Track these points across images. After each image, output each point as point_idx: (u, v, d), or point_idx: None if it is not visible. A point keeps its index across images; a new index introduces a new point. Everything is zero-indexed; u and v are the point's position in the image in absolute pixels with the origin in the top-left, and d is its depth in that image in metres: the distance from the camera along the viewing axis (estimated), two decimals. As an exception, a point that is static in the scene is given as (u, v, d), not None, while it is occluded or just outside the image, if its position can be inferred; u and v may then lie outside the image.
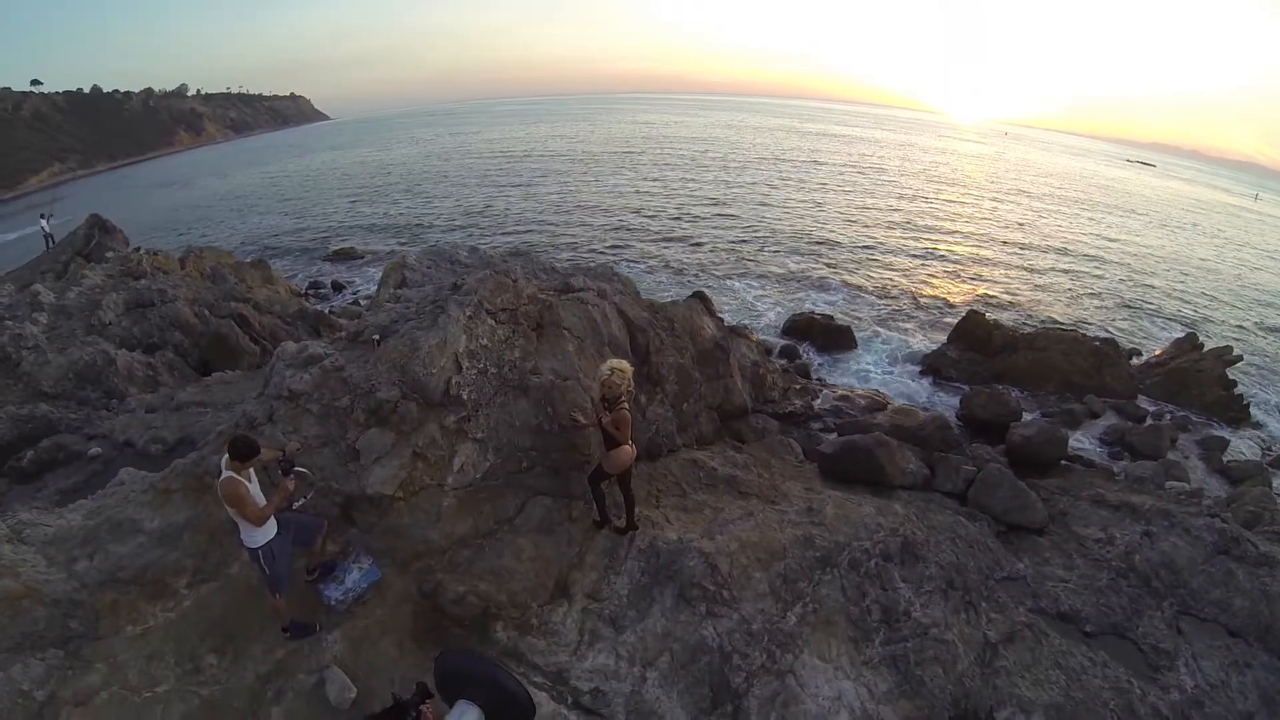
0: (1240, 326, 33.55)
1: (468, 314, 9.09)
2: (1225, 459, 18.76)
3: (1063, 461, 15.84)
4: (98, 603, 7.18)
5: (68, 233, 32.79)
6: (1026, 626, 9.29)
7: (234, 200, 69.95)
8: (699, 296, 20.61)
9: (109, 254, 27.17)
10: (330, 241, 45.43)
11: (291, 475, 6.79)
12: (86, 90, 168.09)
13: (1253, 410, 22.41)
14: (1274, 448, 20.55)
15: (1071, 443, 17.12)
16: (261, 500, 6.61)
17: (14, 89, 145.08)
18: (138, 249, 27.66)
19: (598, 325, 10.64)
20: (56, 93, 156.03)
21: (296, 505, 7.47)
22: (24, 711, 6.28)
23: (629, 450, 8.16)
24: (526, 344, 9.52)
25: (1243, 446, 20.33)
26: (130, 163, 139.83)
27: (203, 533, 7.83)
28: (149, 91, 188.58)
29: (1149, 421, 20.16)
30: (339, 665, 7.08)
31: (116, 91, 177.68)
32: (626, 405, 7.98)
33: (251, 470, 6.61)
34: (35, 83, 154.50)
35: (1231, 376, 22.93)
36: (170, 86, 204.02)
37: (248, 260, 30.81)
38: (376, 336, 9.14)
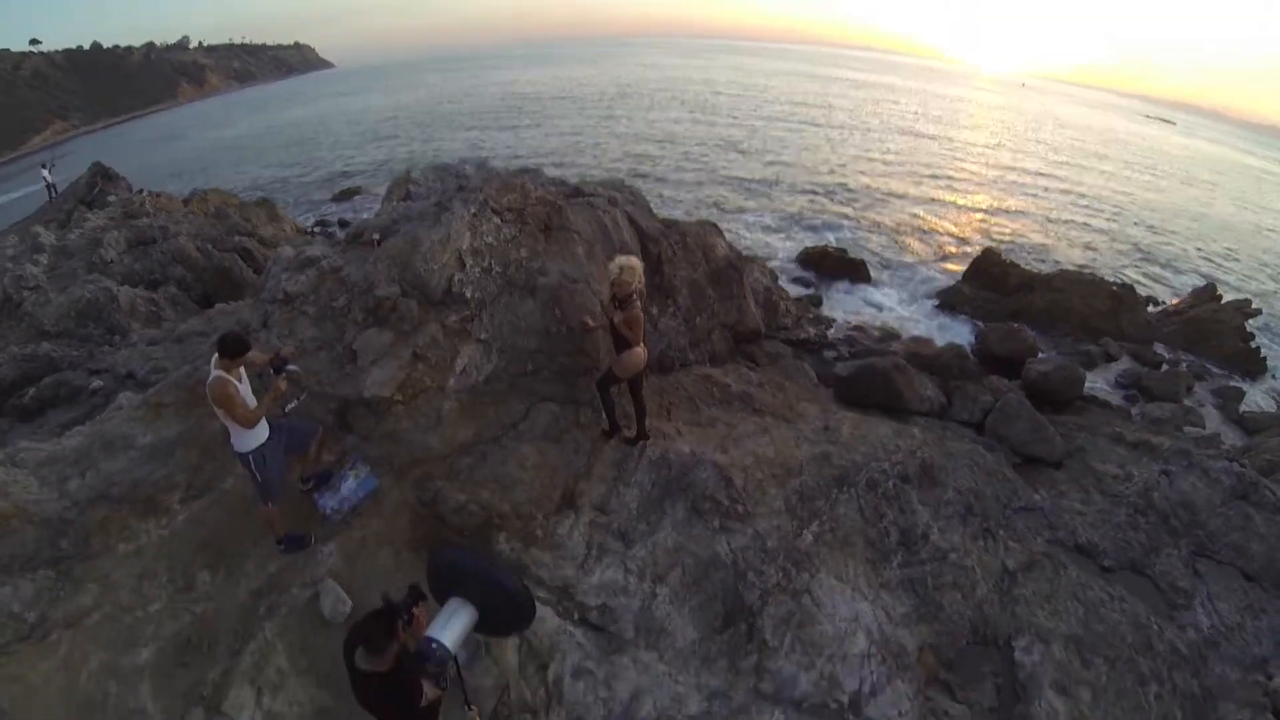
0: (1260, 282, 32.83)
1: (472, 211, 8.59)
2: (1241, 409, 18.37)
3: (1078, 401, 15.49)
4: (89, 521, 6.94)
5: (70, 183, 32.35)
6: (1045, 556, 9.01)
7: (239, 149, 68.45)
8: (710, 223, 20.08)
9: (111, 199, 26.73)
10: (338, 182, 44.49)
11: (284, 375, 6.40)
12: (86, 47, 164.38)
13: (1270, 365, 21.94)
14: (1292, 402, 20.12)
15: (1087, 384, 16.73)
16: (252, 402, 6.26)
17: (13, 49, 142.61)
18: (140, 191, 27.15)
19: (608, 230, 10.16)
20: (56, 51, 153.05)
21: (289, 408, 7.10)
22: (14, 633, 6.09)
23: (640, 352, 7.71)
24: (534, 244, 9.03)
25: (1259, 398, 19.94)
26: (133, 117, 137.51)
27: (195, 447, 7.53)
28: (150, 45, 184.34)
29: (1165, 368, 19.77)
30: (334, 578, 6.78)
31: (117, 47, 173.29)
32: (638, 304, 7.51)
33: (242, 371, 6.28)
34: (34, 42, 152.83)
35: (1250, 329, 22.46)
36: (172, 39, 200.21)
37: (253, 201, 30.17)
38: (376, 236, 8.62)
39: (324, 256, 8.73)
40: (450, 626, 4.23)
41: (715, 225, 18.99)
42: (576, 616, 7.15)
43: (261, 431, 6.39)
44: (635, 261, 7.65)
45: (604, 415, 8.46)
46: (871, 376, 12.27)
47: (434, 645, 4.13)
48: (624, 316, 7.44)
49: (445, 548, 4.83)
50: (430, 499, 7.37)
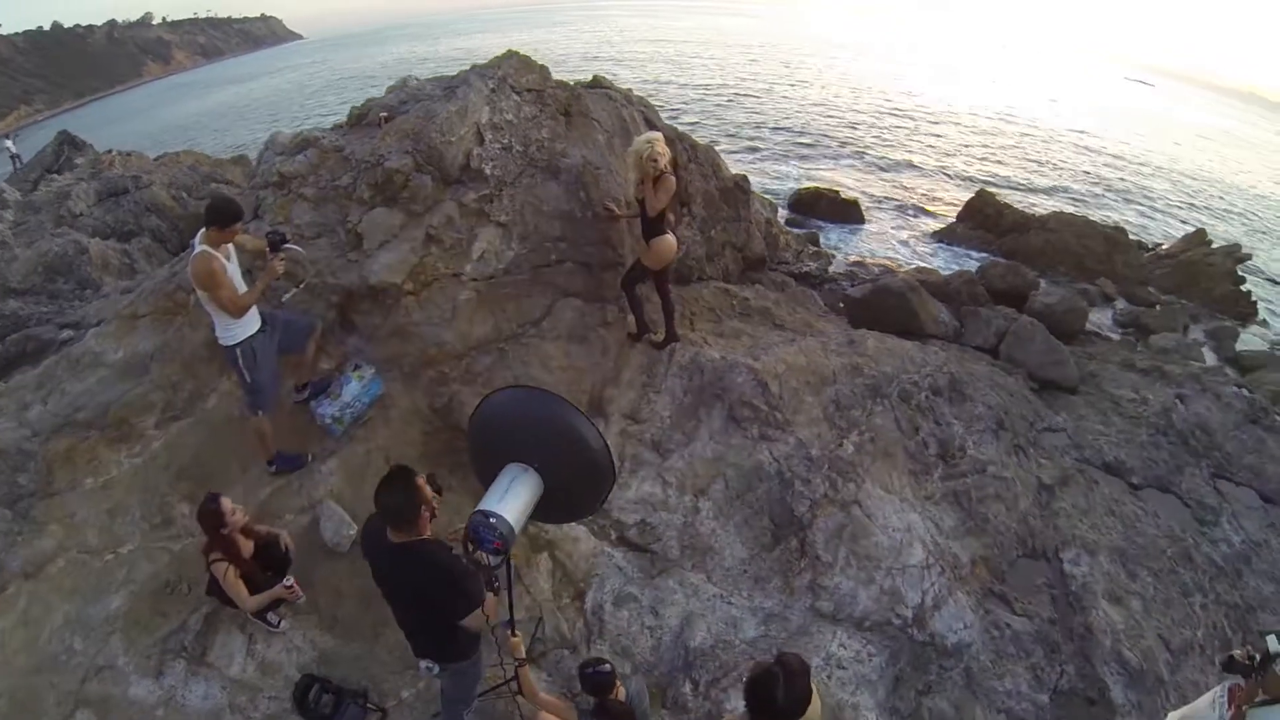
0: (1249, 232, 32.84)
1: (490, 86, 7.79)
2: (1236, 348, 18.35)
3: (1082, 334, 15.33)
4: (50, 452, 6.13)
5: (36, 153, 31.14)
6: (1077, 473, 8.78)
7: (212, 120, 65.92)
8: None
9: (79, 162, 25.57)
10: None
11: (280, 253, 5.55)
12: (47, 27, 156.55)
13: (1261, 309, 21.94)
14: (1282, 346, 20.16)
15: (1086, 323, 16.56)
16: (242, 288, 5.45)
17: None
18: (109, 151, 25.78)
19: (627, 125, 9.51)
20: (15, 34, 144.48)
21: (286, 298, 6.28)
22: None
23: (671, 240, 7.04)
24: (555, 126, 8.25)
25: (1252, 339, 19.92)
26: (100, 97, 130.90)
27: (174, 362, 6.64)
28: (113, 23, 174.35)
29: (1159, 308, 19.71)
30: (335, 500, 6.06)
31: (78, 26, 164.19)
32: (672, 176, 6.79)
33: (231, 249, 5.45)
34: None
35: (1241, 274, 22.40)
36: (134, 16, 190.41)
37: (227, 159, 28.68)
38: (384, 114, 7.69)
39: (324, 137, 7.84)
40: (511, 496, 3.20)
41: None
42: (614, 536, 6.57)
43: (252, 322, 5.62)
44: (659, 135, 7.00)
45: (630, 315, 7.90)
46: (886, 297, 11.83)
47: (492, 519, 3.11)
48: (662, 186, 6.72)
49: (499, 390, 3.61)
50: (444, 406, 6.71)
